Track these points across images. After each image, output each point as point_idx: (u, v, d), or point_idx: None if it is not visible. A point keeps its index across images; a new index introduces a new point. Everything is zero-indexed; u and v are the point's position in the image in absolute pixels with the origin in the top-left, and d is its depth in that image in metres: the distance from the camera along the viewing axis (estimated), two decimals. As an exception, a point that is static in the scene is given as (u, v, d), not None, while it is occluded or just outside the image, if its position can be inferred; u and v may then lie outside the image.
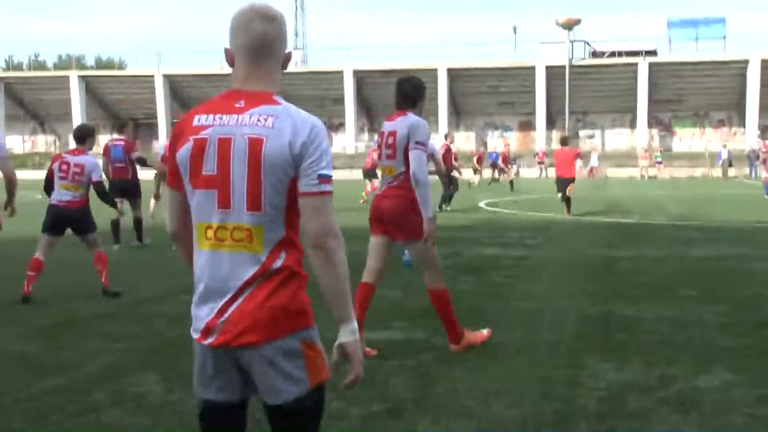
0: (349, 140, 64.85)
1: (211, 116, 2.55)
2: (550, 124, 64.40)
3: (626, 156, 58.35)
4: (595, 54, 63.14)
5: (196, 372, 2.61)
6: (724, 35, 60.97)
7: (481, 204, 24.71)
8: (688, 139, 64.21)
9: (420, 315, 7.70)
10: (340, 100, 65.83)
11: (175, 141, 2.58)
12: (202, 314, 2.54)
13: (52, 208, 8.96)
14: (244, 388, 2.59)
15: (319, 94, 66.66)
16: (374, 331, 7.11)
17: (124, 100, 66.99)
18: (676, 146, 61.78)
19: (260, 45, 2.58)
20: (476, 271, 10.52)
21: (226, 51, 2.62)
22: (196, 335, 2.57)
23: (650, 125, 63.69)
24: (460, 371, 5.75)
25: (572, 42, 61.05)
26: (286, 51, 2.67)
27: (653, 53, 61.98)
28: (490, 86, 63.83)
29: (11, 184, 7.80)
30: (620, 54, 61.76)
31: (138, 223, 13.86)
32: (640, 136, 60.93)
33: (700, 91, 61.42)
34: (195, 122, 2.56)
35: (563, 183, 19.62)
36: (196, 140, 2.53)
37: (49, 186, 9.10)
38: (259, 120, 2.51)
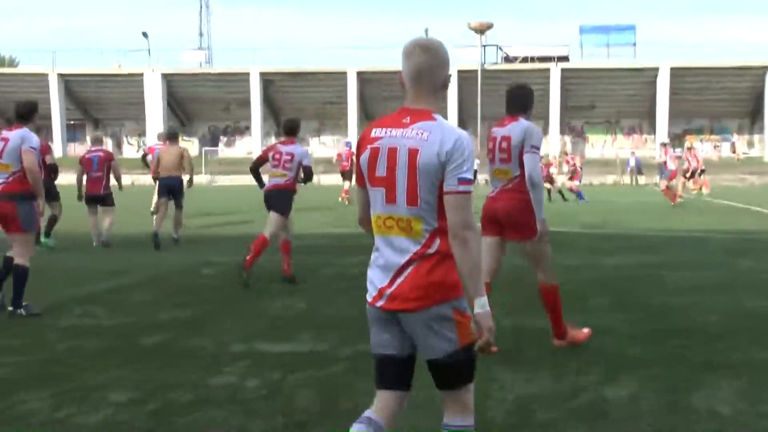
0: (256, 144, 64.40)
1: (384, 129, 3.34)
2: (462, 128, 64.91)
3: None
4: (507, 59, 64.30)
5: (371, 331, 3.41)
6: (635, 42, 63.00)
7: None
8: (600, 145, 65.94)
9: (325, 326, 7.68)
10: (246, 103, 65.33)
11: (358, 148, 3.39)
12: (375, 283, 3.34)
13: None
14: (407, 345, 3.34)
15: (224, 96, 66.06)
16: (278, 342, 7.06)
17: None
18: (589, 153, 63.40)
19: (419, 72, 3.34)
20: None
21: (399, 77, 3.42)
22: (369, 299, 3.38)
23: (563, 131, 65.20)
24: (367, 384, 5.74)
25: (484, 46, 61.94)
26: (446, 74, 3.39)
27: (566, 59, 63.54)
28: (402, 91, 64.24)
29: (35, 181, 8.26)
30: (533, 59, 63.08)
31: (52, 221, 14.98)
32: (553, 143, 62.28)
33: (611, 98, 63.19)
34: (372, 134, 3.36)
35: None
36: (372, 149, 3.32)
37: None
38: (418, 133, 3.26)
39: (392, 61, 64.13)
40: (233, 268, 11.36)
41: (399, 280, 3.25)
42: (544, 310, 6.92)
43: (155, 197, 16.17)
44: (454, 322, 3.23)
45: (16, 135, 8.38)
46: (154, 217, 15.85)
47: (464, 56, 63.14)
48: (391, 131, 3.31)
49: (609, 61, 62.11)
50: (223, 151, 67.91)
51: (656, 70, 60.78)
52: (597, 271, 11.40)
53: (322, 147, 66.82)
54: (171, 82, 65.62)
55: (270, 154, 10.69)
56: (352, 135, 63.78)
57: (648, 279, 10.66)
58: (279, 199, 10.44)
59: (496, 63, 63.09)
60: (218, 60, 74.00)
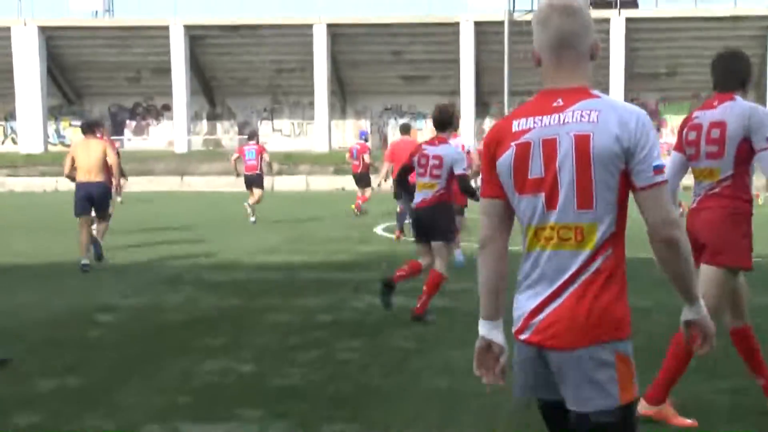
0: (179, 131, 64.39)
1: (530, 119, 3.61)
2: (482, 108, 65.48)
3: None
4: (547, 5, 64.69)
5: (513, 368, 3.84)
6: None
7: (377, 230, 24.86)
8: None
9: (278, 399, 7.68)
10: (163, 71, 65.31)
11: (493, 149, 3.66)
12: (520, 312, 3.75)
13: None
14: (556, 388, 3.67)
15: (130, 60, 66.04)
16: (210, 423, 7.06)
17: None
18: (669, 141, 63.61)
19: (560, 41, 3.64)
20: (368, 332, 10.57)
21: (533, 52, 3.70)
22: (513, 330, 3.80)
23: (629, 111, 65.45)
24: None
25: (514, -14, 62.33)
26: (594, 40, 3.75)
27: (633, 4, 63.79)
28: (393, 52, 64.51)
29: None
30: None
31: None
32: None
33: (701, 62, 63.45)
34: (514, 127, 3.62)
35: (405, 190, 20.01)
36: (518, 145, 3.58)
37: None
38: (582, 116, 3.52)
39: (378, 7, 64.37)
40: (145, 312, 11.38)
41: (550, 308, 3.63)
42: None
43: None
44: (615, 370, 3.53)
45: None
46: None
47: (483, 2, 63.42)
48: (541, 119, 3.60)
49: (698, 7, 62.47)
50: (132, 141, 67.97)
51: (767, 19, 61.17)
52: (677, 318, 11.41)
53: (276, 136, 66.92)
54: (52, 39, 65.59)
55: (415, 158, 11.34)
56: (321, 116, 63.97)
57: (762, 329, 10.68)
58: (434, 221, 11.07)
59: (530, 11, 63.42)
60: (122, 8, 74.00)
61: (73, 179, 16.66)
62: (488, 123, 66.21)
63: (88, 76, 67.17)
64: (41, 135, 64.02)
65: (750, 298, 7.19)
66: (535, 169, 3.55)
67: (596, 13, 61.17)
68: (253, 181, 27.24)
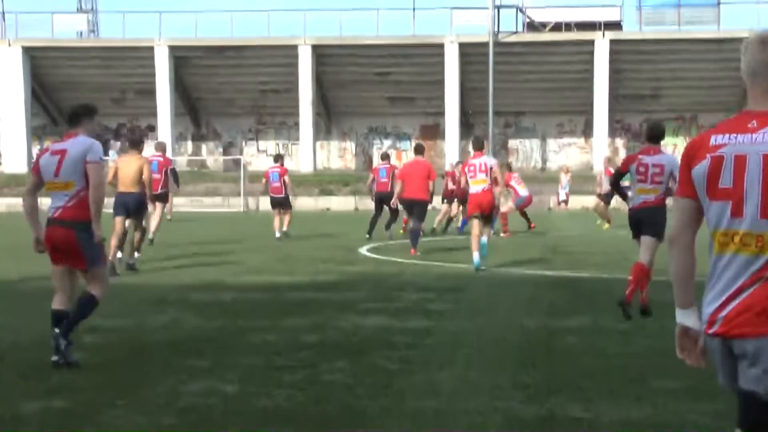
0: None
1: (726, 135, 4.17)
2: (467, 129, 65.60)
3: (580, 178, 60.14)
4: (532, 26, 64.78)
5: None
6: (718, 2, 63.39)
7: (362, 250, 24.86)
8: (669, 152, 66.44)
9: (265, 417, 7.66)
10: (148, 92, 65.30)
11: (691, 157, 4.23)
12: (709, 309, 4.20)
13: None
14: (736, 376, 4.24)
15: (115, 81, 66.04)
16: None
17: None
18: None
19: (753, 71, 4.19)
20: (353, 353, 10.55)
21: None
22: (704, 326, 4.25)
23: (614, 133, 65.60)
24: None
25: (498, 8, 62.50)
26: None
27: (617, 26, 64.02)
28: (378, 73, 64.63)
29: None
30: (569, 27, 63.57)
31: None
32: (598, 150, 62.63)
33: (684, 84, 63.69)
34: (711, 141, 4.19)
35: (414, 207, 23.85)
36: (713, 157, 4.13)
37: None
38: None
39: (364, 27, 64.43)
40: (129, 334, 11.33)
41: (733, 303, 4.09)
42: None
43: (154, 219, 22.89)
44: None
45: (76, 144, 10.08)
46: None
47: (468, 21, 63.60)
48: (736, 137, 4.12)
49: (681, 30, 62.68)
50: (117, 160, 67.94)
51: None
52: (660, 339, 11.42)
53: (261, 156, 66.83)
54: (37, 60, 65.58)
55: (632, 167, 13.12)
56: (306, 136, 63.99)
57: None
58: (652, 219, 12.94)
59: (515, 32, 63.64)
60: (108, 28, 73.92)
61: (114, 186, 18.69)
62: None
63: (73, 97, 66.70)
64: (25, 155, 63.91)
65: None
66: (725, 179, 4.08)
67: (580, 35, 61.49)
68: (281, 203, 29.42)
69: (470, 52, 62.40)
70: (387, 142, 68.01)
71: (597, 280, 17.97)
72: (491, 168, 19.48)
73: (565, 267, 20.33)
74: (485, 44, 59.85)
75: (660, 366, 9.72)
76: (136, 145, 19.77)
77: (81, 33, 69.50)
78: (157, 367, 9.87)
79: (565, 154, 66.83)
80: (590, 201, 52.45)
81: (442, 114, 64.06)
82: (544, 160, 67.05)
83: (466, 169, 19.81)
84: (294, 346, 10.91)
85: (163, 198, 26.11)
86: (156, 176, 24.56)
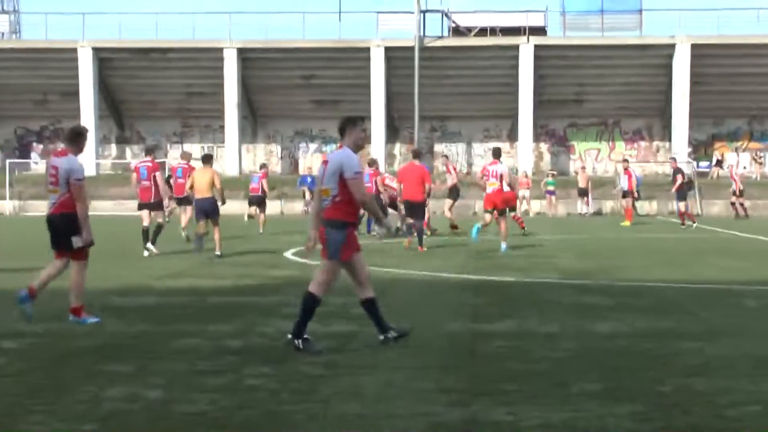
0: (87, 154, 63.62)
1: None
2: (393, 133, 65.72)
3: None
4: (458, 31, 64.98)
5: None
6: (640, 8, 64.04)
7: (287, 254, 24.80)
8: (591, 158, 66.92)
9: (188, 423, 7.61)
10: (71, 94, 64.70)
11: None
12: None
13: None
14: None
15: (38, 83, 65.37)
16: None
17: None
18: (575, 168, 64.18)
19: None
20: (278, 358, 10.51)
21: None
22: None
23: (538, 137, 66.04)
24: None
25: (424, 12, 62.67)
26: None
27: (541, 31, 64.43)
28: (303, 77, 64.56)
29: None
30: (494, 32, 63.84)
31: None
32: (523, 154, 63.04)
33: (607, 89, 64.28)
34: None
35: (413, 208, 26.51)
36: None
37: None
38: None
39: (289, 31, 64.23)
40: (51, 339, 11.21)
41: None
42: None
43: (184, 216, 29.88)
44: None
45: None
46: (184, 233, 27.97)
47: (394, 25, 63.73)
48: None
49: (604, 35, 63.22)
50: (39, 164, 67.14)
51: (671, 48, 62.13)
52: (584, 342, 11.51)
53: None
54: (-43, 61, 64.82)
55: None
56: (231, 140, 63.73)
57: (657, 353, 10.80)
58: None
59: (440, 37, 63.82)
60: (30, 30, 72.97)
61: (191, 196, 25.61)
62: (399, 148, 66.50)
63: (-3, 98, 66.31)
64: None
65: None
66: None
67: (504, 40, 61.85)
68: (257, 202, 37.17)
69: (396, 56, 62.58)
70: (313, 146, 67.99)
71: (520, 284, 18.06)
72: (502, 174, 26.09)
73: (488, 271, 20.42)
74: (411, 48, 60.07)
75: (583, 368, 9.80)
76: (208, 160, 25.41)
77: (2, 34, 68.70)
78: (78, 373, 9.76)
79: (491, 158, 67.15)
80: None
81: (368, 118, 64.03)
82: (470, 164, 67.26)
83: (483, 172, 26.66)
84: (218, 351, 10.85)
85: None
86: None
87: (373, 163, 34.02)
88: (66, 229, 13.23)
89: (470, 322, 13.11)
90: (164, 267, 21.16)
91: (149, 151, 26.71)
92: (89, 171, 61.34)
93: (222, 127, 65.01)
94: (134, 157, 68.12)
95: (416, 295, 16.40)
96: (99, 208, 55.45)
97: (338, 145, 11.47)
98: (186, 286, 17.39)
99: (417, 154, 28.51)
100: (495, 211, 25.94)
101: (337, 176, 10.98)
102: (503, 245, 25.33)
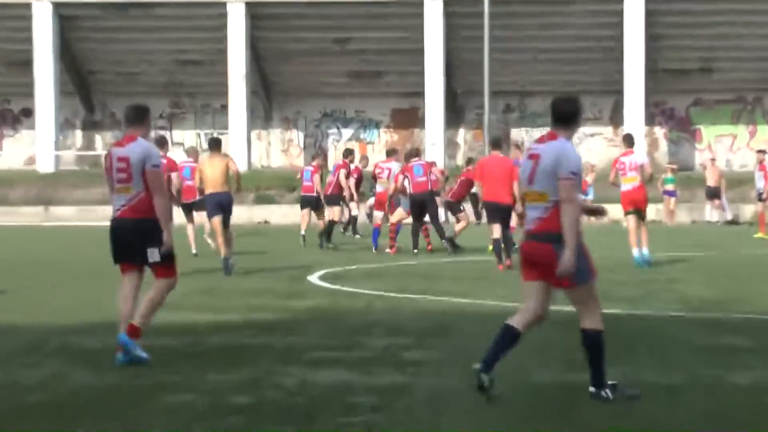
0: (44, 144, 63.96)
1: None
2: (455, 115, 65.65)
3: (606, 178, 60.37)
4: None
5: None
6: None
7: (312, 278, 24.78)
8: (723, 147, 66.58)
9: None
10: (23, 63, 65.03)
11: None
12: None
13: None
14: None
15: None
16: None
17: None
18: (702, 161, 63.80)
19: None
20: (299, 419, 10.43)
21: None
22: None
23: (652, 119, 65.75)
24: None
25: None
26: None
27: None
28: (335, 40, 64.60)
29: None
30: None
31: None
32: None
33: (746, 55, 63.91)
34: None
35: (497, 213, 26.87)
36: None
37: None
38: None
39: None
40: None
41: None
42: None
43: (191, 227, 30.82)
44: None
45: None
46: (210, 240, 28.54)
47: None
48: None
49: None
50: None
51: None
52: (719, 398, 11.36)
53: (178, 150, 66.59)
54: None
55: None
56: (237, 124, 63.76)
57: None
58: None
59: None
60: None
61: (201, 192, 26.51)
62: (463, 135, 66.40)
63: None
64: None
65: None
66: None
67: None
68: (313, 204, 36.56)
69: (459, 12, 62.56)
70: (347, 132, 68.08)
71: (631, 318, 17.91)
72: (643, 165, 27.14)
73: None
74: (479, 1, 59.95)
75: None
76: (217, 145, 27.05)
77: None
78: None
79: (587, 147, 66.88)
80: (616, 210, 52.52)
81: (421, 95, 64.00)
82: (559, 156, 67.17)
83: (616, 165, 27.54)
84: (220, 410, 10.80)
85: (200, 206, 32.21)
86: (189, 183, 31.79)
87: (416, 153, 34.76)
88: (142, 238, 13.51)
89: (563, 370, 12.98)
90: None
91: (161, 144, 27.68)
92: (46, 165, 61.81)
93: (225, 107, 65.21)
94: (106, 147, 68.17)
95: (489, 333, 16.28)
96: (58, 215, 55.98)
97: (548, 132, 11.55)
98: (179, 322, 17.34)
99: (497, 143, 29.27)
100: (635, 213, 27.28)
101: (556, 175, 11.05)
102: (645, 252, 26.84)
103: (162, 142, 28.05)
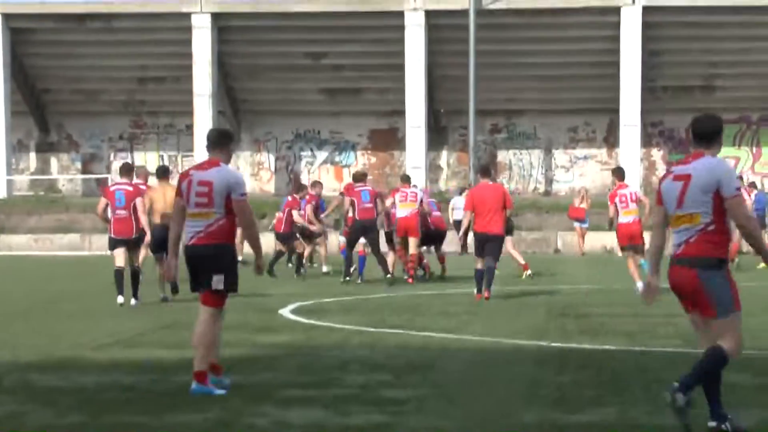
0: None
1: None
2: (438, 136, 65.65)
3: (602, 205, 60.52)
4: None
5: None
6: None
7: (284, 311, 24.85)
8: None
9: None
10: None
11: None
12: None
13: None
14: None
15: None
16: None
17: None
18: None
19: None
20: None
21: None
22: None
23: (649, 141, 65.87)
24: None
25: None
26: None
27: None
28: (309, 54, 64.59)
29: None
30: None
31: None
32: (628, 164, 62.62)
33: (750, 71, 64.03)
34: None
35: (487, 243, 27.27)
36: None
37: None
38: None
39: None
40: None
41: None
42: None
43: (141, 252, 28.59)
44: None
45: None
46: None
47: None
48: None
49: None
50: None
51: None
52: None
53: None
54: None
55: None
56: (203, 144, 63.52)
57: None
58: None
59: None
60: None
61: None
62: (446, 158, 66.42)
63: None
64: None
65: None
66: None
67: (600, 1, 61.68)
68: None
69: (442, 24, 62.55)
70: (321, 154, 68.03)
71: (625, 354, 18.04)
72: (641, 199, 28.93)
73: (578, 336, 20.41)
74: (463, 13, 60.03)
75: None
76: (165, 173, 28.92)
77: None
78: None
79: (580, 171, 66.96)
80: (612, 238, 52.65)
81: (402, 114, 63.94)
82: (549, 180, 67.21)
83: (617, 200, 28.52)
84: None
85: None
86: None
87: (407, 179, 35.98)
88: (215, 264, 14.07)
89: (551, 410, 13.10)
90: (110, 330, 21.17)
91: (127, 170, 28.07)
92: (-4, 191, 61.50)
93: (190, 127, 65.08)
94: (63, 171, 68.41)
95: (476, 370, 16.41)
96: (10, 244, 55.91)
97: (692, 153, 11.81)
98: (141, 359, 17.41)
99: (486, 171, 29.86)
100: (631, 249, 28.83)
101: (711, 195, 11.17)
102: (640, 285, 26.47)
103: (128, 169, 28.40)
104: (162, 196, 26.90)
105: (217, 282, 13.83)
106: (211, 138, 15.03)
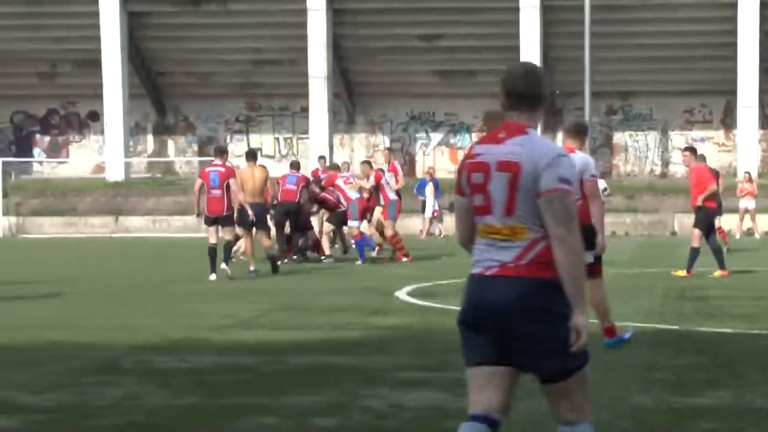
0: (113, 150, 64.14)
1: None
2: (551, 117, 65.25)
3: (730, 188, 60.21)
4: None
5: None
6: None
7: (400, 293, 24.78)
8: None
9: None
10: (87, 62, 65.02)
11: None
12: None
13: None
14: None
15: (43, 48, 65.71)
16: None
17: None
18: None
19: None
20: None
21: None
22: None
23: (767, 123, 64.92)
24: None
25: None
26: None
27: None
28: (423, 37, 64.42)
29: None
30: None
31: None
32: (746, 147, 62.05)
33: None
34: None
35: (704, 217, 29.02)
36: None
37: None
38: None
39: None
40: (65, 415, 11.34)
41: None
42: None
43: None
44: None
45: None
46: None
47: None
48: None
49: None
50: (44, 165, 67.85)
51: None
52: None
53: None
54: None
55: None
56: (319, 128, 63.72)
57: None
58: None
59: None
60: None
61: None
62: (561, 140, 66.02)
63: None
64: None
65: None
66: None
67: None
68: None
69: (556, 6, 62.26)
70: (436, 136, 67.84)
71: (743, 338, 17.88)
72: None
73: (695, 319, 20.24)
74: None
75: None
76: (254, 156, 32.18)
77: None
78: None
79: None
80: (732, 221, 52.32)
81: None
82: (666, 162, 66.69)
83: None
84: (302, 434, 10.89)
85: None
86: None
87: (294, 165, 38.02)
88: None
89: (667, 394, 13.01)
90: (226, 312, 21.30)
91: (221, 152, 30.53)
92: (115, 173, 61.77)
93: (305, 109, 65.09)
94: (179, 153, 68.58)
95: (591, 353, 16.32)
96: (128, 226, 56.19)
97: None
98: (257, 341, 17.45)
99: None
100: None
101: None
102: None
103: (221, 151, 30.76)
104: (251, 177, 30.18)
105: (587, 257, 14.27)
106: (569, 128, 16.84)
